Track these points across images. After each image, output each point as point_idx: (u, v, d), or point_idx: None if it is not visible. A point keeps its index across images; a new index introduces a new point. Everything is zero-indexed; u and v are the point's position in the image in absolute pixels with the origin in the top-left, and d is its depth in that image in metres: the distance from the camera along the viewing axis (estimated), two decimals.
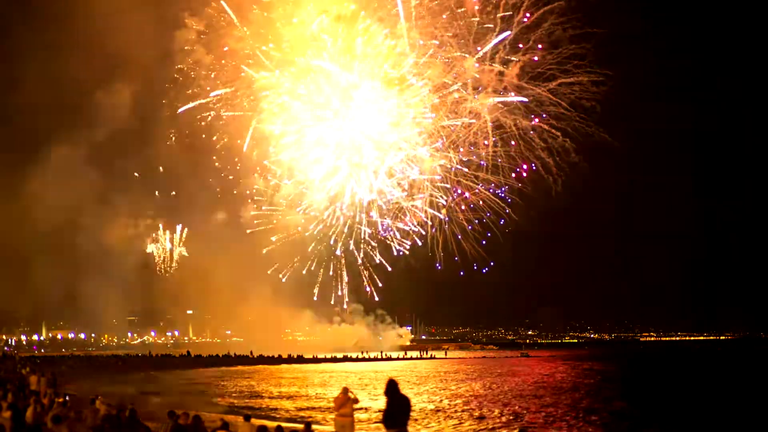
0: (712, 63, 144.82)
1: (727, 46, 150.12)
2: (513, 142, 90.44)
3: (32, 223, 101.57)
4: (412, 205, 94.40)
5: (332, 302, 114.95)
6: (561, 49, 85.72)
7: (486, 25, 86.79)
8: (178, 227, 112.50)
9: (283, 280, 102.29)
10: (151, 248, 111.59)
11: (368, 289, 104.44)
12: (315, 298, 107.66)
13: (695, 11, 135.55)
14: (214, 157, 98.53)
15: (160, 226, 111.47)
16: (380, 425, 13.31)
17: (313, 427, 17.84)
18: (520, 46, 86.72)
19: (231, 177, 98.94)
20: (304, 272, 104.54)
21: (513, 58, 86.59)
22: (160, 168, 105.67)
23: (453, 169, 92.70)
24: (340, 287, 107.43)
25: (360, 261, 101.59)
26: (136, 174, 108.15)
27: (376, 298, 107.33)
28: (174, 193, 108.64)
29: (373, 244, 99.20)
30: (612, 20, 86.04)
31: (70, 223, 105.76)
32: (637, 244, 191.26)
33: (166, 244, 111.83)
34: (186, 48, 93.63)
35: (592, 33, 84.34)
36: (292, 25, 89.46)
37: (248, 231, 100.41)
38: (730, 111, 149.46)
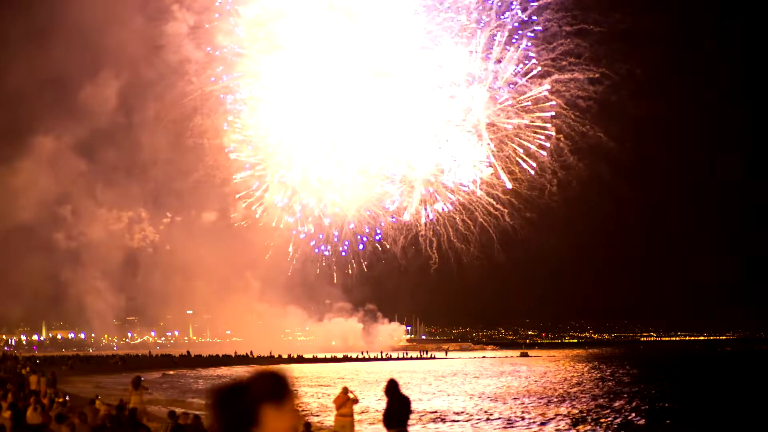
0: (713, 62, 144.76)
1: (728, 44, 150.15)
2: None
3: (17, 216, 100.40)
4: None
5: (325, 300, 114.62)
6: (555, 44, 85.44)
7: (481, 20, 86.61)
8: (165, 222, 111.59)
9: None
10: (137, 243, 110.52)
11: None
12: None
13: (695, 8, 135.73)
14: (204, 150, 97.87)
15: (146, 220, 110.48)
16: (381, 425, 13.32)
17: (313, 428, 17.84)
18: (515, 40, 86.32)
19: (220, 173, 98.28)
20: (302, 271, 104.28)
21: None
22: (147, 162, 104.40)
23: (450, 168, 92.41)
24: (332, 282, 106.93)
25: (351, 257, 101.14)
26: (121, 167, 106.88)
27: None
28: (160, 187, 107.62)
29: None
30: (609, 17, 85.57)
31: (54, 217, 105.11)
32: (637, 244, 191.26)
33: (152, 239, 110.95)
34: (175, 41, 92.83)
35: (589, 30, 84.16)
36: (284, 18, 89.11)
37: (235, 224, 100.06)
38: (731, 110, 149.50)
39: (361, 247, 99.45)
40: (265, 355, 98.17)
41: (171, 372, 71.18)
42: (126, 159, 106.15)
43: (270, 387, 2.49)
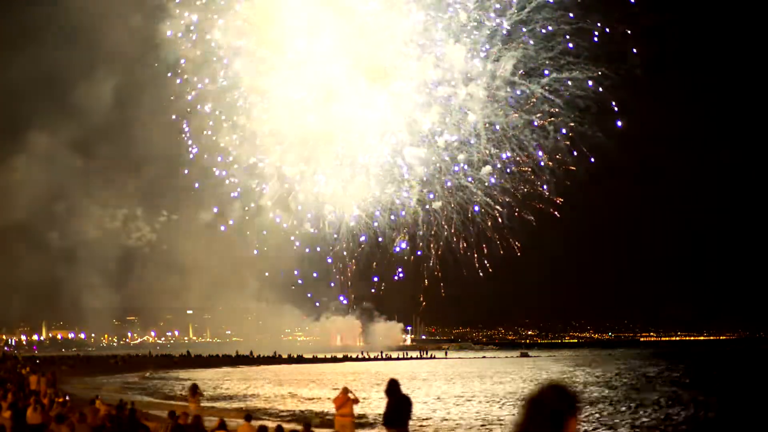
0: (712, 62, 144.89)
1: (729, 45, 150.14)
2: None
3: (12, 214, 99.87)
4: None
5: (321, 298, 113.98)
6: (554, 43, 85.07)
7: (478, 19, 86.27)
8: (161, 220, 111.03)
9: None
10: (134, 242, 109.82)
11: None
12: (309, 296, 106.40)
13: (696, 9, 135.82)
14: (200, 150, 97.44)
15: (142, 218, 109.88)
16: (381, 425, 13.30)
17: (313, 427, 17.84)
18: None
19: (218, 173, 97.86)
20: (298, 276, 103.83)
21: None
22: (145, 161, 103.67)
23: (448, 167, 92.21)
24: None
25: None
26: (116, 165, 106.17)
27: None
28: (156, 185, 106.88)
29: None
30: (609, 17, 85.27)
31: (49, 215, 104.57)
32: (638, 244, 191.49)
33: (148, 238, 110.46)
34: (172, 40, 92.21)
35: (589, 28, 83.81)
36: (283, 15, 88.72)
37: (230, 226, 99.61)
38: (731, 111, 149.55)
39: (359, 245, 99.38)
40: (267, 355, 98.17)
41: (148, 374, 71.62)
42: (121, 156, 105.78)
43: (574, 401, 3.02)
